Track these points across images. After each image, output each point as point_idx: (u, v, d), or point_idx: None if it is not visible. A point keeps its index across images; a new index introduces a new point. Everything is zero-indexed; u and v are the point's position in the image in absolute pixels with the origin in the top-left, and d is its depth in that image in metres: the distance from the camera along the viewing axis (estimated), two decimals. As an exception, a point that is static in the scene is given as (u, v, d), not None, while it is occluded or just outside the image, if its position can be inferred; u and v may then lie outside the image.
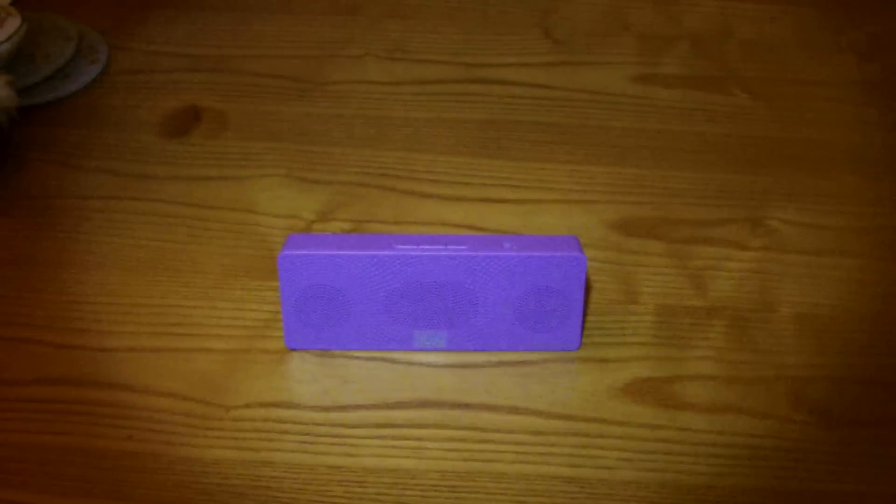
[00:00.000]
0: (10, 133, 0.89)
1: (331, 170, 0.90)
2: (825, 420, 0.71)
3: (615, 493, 0.67)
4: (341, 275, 0.72)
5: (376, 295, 0.72)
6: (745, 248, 0.83)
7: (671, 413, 0.72)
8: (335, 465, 0.68)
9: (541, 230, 0.85)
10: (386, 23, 1.05)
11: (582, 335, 0.75)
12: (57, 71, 0.97)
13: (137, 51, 1.01)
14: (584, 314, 0.76)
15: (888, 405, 0.73)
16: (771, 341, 0.76)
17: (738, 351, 0.76)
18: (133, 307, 0.78)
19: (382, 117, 0.95)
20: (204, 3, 1.07)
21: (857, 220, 0.86)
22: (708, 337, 0.77)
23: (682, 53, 1.02)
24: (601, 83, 0.99)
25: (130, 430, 0.70)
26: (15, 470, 0.68)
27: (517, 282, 0.72)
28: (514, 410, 0.72)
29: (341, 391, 0.73)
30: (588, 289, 0.79)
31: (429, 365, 0.74)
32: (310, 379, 0.73)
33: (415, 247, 0.72)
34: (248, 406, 0.71)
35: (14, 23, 0.92)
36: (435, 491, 0.67)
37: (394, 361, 0.74)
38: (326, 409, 0.72)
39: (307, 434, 0.70)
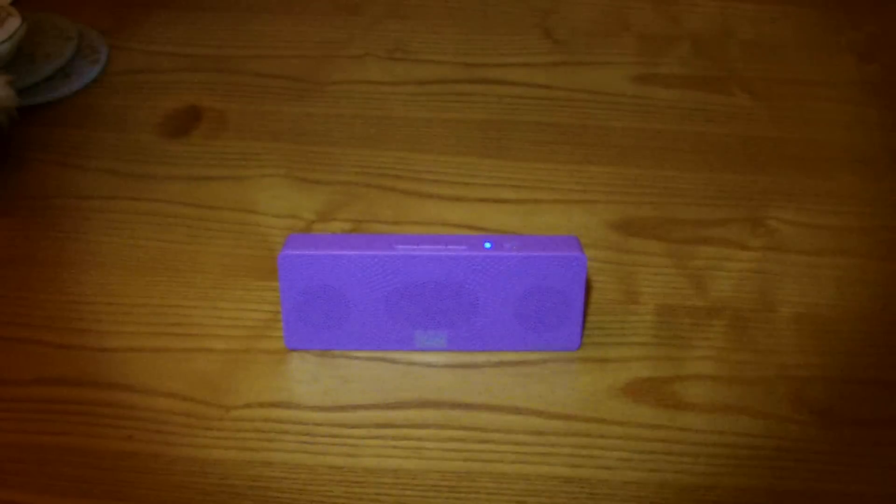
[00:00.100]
0: (10, 133, 0.89)
1: (331, 170, 0.90)
2: (825, 420, 0.71)
3: (615, 493, 0.67)
4: (341, 275, 0.72)
5: (376, 295, 0.72)
6: (745, 248, 0.83)
7: (671, 413, 0.72)
8: (335, 466, 0.68)
9: (541, 230, 0.85)
10: (386, 23, 1.05)
11: (582, 335, 0.75)
12: (57, 71, 0.97)
13: (137, 51, 1.01)
14: (585, 314, 0.76)
15: (888, 405, 0.73)
16: (771, 341, 0.76)
17: (738, 351, 0.76)
18: (133, 307, 0.78)
19: (382, 117, 0.95)
20: (204, 3, 1.07)
21: (857, 220, 0.86)
22: (708, 337, 0.77)
23: (682, 53, 1.02)
24: (601, 83, 0.99)
25: (130, 431, 0.70)
26: (14, 470, 0.68)
27: (517, 282, 0.72)
28: (514, 410, 0.72)
29: (341, 391, 0.73)
30: (588, 289, 0.79)
31: (429, 365, 0.74)
32: (310, 379, 0.73)
33: (415, 247, 0.72)
34: (247, 406, 0.71)
35: (14, 23, 0.92)
36: (435, 491, 0.67)
37: (394, 361, 0.74)
38: (326, 409, 0.72)
39: (307, 434, 0.70)
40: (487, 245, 0.72)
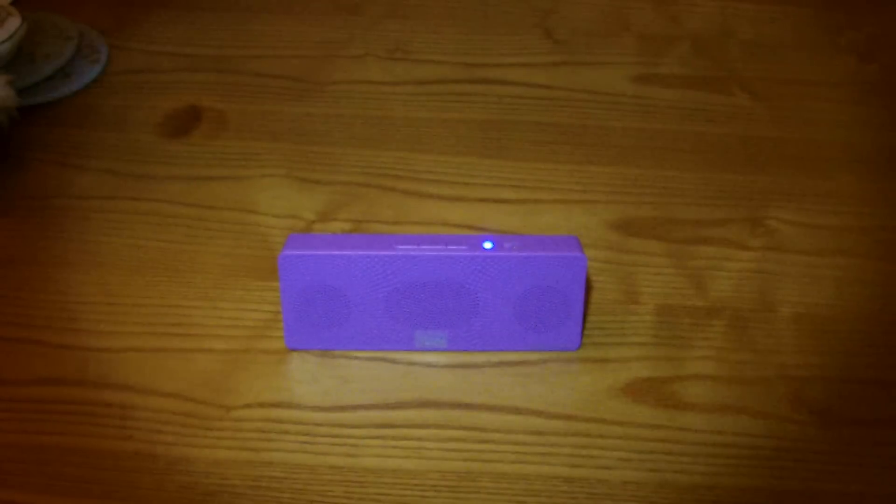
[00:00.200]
0: (9, 133, 0.89)
1: (331, 170, 0.90)
2: (825, 420, 0.71)
3: (615, 493, 0.67)
4: (342, 275, 0.72)
5: (376, 295, 0.72)
6: (744, 248, 0.83)
7: (671, 413, 0.72)
8: (335, 466, 0.68)
9: (541, 230, 0.85)
10: (386, 23, 1.05)
11: (582, 335, 0.75)
12: (57, 71, 0.97)
13: (137, 51, 1.01)
14: (585, 314, 0.76)
15: (888, 405, 0.73)
16: (771, 341, 0.76)
17: (737, 351, 0.76)
18: (133, 307, 0.78)
19: (382, 117, 0.95)
20: (204, 3, 1.07)
21: (857, 220, 0.86)
22: (708, 337, 0.77)
23: (682, 53, 1.02)
24: (601, 83, 0.99)
25: (130, 431, 0.70)
26: (15, 470, 0.68)
27: (517, 282, 0.72)
28: (514, 410, 0.72)
29: (341, 391, 0.73)
30: (588, 289, 0.79)
31: (429, 365, 0.74)
32: (310, 379, 0.73)
33: (415, 247, 0.72)
34: (248, 406, 0.71)
35: (14, 22, 0.92)
36: (435, 491, 0.67)
37: (394, 362, 0.74)
38: (327, 409, 0.72)
39: (307, 434, 0.70)
40: (488, 245, 0.72)
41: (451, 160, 0.91)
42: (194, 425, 0.70)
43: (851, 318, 0.78)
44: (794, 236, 0.85)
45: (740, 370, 0.74)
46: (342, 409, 0.72)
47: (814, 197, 0.88)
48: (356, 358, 0.75)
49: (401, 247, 0.72)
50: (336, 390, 0.73)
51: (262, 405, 0.72)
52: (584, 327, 0.76)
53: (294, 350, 0.75)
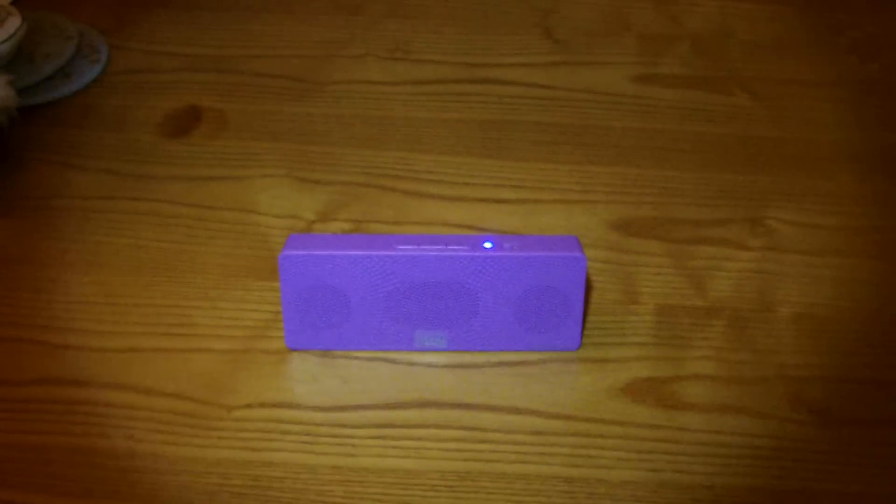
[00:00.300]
0: (9, 133, 0.89)
1: (331, 170, 0.90)
2: (824, 420, 0.72)
3: (614, 492, 0.67)
4: (342, 275, 0.72)
5: (377, 295, 0.72)
6: (744, 248, 0.83)
7: (670, 413, 0.72)
8: (336, 466, 0.68)
9: (541, 230, 0.85)
10: (386, 23, 1.05)
11: (582, 335, 0.75)
12: (57, 71, 0.97)
13: (137, 51, 1.01)
14: (585, 314, 0.76)
15: (887, 405, 0.73)
16: (770, 341, 0.76)
17: (737, 351, 0.76)
18: (133, 307, 0.78)
19: (383, 117, 0.95)
20: (204, 3, 1.07)
21: (857, 220, 0.86)
22: (708, 337, 0.77)
23: (682, 53, 1.02)
24: (601, 83, 0.99)
25: (131, 431, 0.70)
26: (15, 470, 0.68)
27: (517, 282, 0.72)
28: (514, 410, 0.72)
29: (342, 391, 0.73)
30: (588, 289, 0.79)
31: (429, 365, 0.74)
32: (310, 379, 0.73)
33: (415, 247, 0.72)
34: (248, 406, 0.72)
35: (14, 22, 0.92)
36: (435, 491, 0.67)
37: (394, 362, 0.75)
38: (327, 409, 0.72)
39: (308, 434, 0.70)
40: (488, 245, 0.72)
41: (451, 160, 0.91)
42: (195, 425, 0.70)
43: (850, 318, 0.78)
44: (794, 236, 0.85)
45: (740, 370, 0.75)
46: (342, 409, 0.72)
47: (813, 197, 0.88)
48: (356, 358, 0.75)
49: (401, 247, 0.72)
50: (336, 390, 0.73)
51: (262, 405, 0.72)
52: (584, 327, 0.76)
53: (294, 350, 0.75)
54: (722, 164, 0.91)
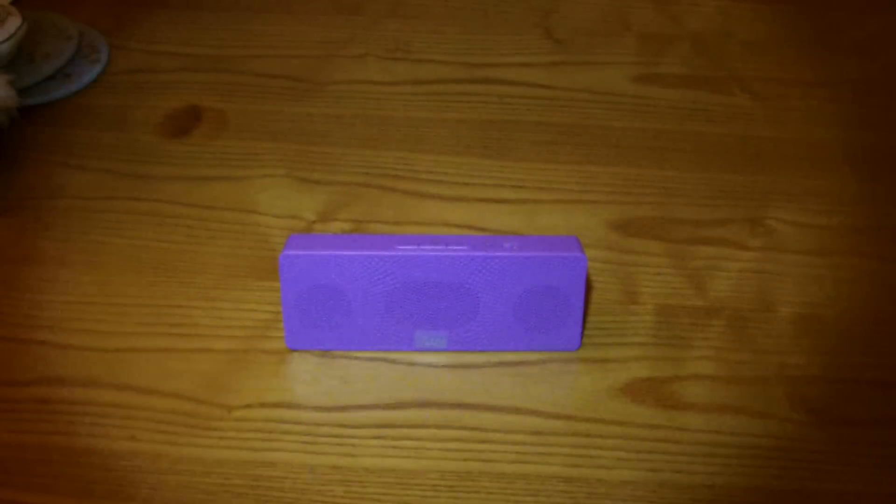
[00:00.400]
0: (9, 133, 0.89)
1: (331, 170, 0.90)
2: (824, 420, 0.72)
3: (613, 492, 0.67)
4: (342, 275, 0.72)
5: (377, 295, 0.73)
6: (744, 248, 0.83)
7: (670, 413, 0.72)
8: (336, 466, 0.68)
9: (541, 230, 0.85)
10: (386, 23, 1.05)
11: (582, 335, 0.75)
12: (57, 71, 0.97)
13: (137, 51, 1.01)
14: (585, 314, 0.77)
15: (887, 405, 0.73)
16: (770, 341, 0.77)
17: (737, 351, 0.76)
18: (133, 307, 0.78)
19: (383, 117, 0.95)
20: (204, 3, 1.07)
21: (857, 220, 0.86)
22: (707, 337, 0.77)
23: (682, 53, 1.02)
24: (602, 83, 0.99)
25: (132, 431, 0.70)
26: (16, 470, 0.68)
27: (518, 282, 0.72)
28: (514, 410, 0.72)
29: (342, 391, 0.73)
30: (588, 289, 0.79)
31: (429, 365, 0.74)
32: (311, 379, 0.73)
33: (415, 247, 0.72)
34: (249, 406, 0.72)
35: (14, 22, 0.92)
36: (435, 491, 0.67)
37: (394, 362, 0.75)
38: (327, 409, 0.72)
39: (308, 434, 0.70)
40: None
41: (451, 160, 0.91)
42: (195, 425, 0.70)
43: (850, 318, 0.78)
44: (794, 236, 0.85)
45: (739, 370, 0.75)
46: (343, 409, 0.72)
47: (814, 197, 0.88)
48: (356, 358, 0.75)
49: (401, 247, 0.72)
50: (336, 390, 0.73)
51: (262, 405, 0.72)
52: (584, 327, 0.76)
53: (294, 350, 0.75)
54: (722, 164, 0.91)
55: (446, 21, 1.05)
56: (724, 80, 0.99)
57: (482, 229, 0.85)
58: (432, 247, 0.72)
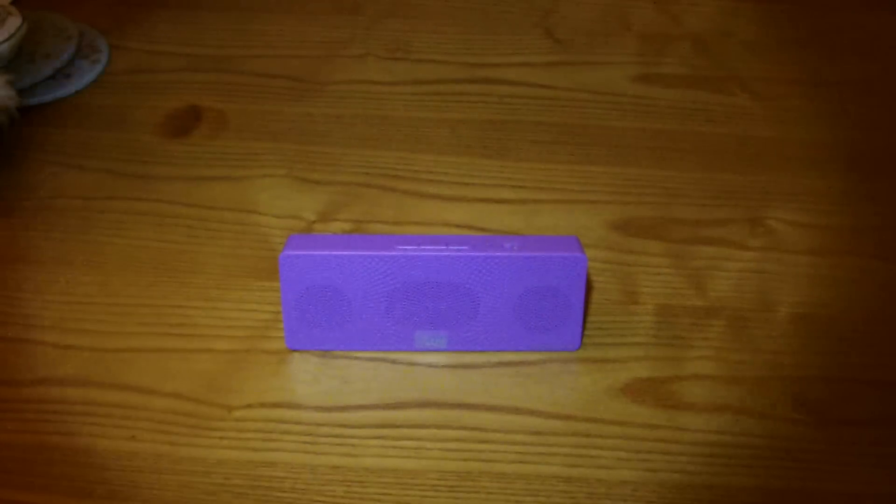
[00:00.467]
0: (10, 133, 0.89)
1: (331, 170, 0.90)
2: (824, 420, 0.72)
3: (613, 492, 0.67)
4: (342, 275, 0.72)
5: (377, 295, 0.73)
6: (744, 248, 0.84)
7: (670, 413, 0.72)
8: (336, 466, 0.69)
9: (541, 230, 0.85)
10: (387, 23, 1.05)
11: (582, 335, 0.75)
12: (57, 71, 0.97)
13: (137, 51, 1.01)
14: (585, 314, 0.77)
15: (887, 405, 0.73)
16: (770, 341, 0.77)
17: (737, 351, 0.76)
18: (133, 307, 0.78)
19: (383, 117, 0.95)
20: (204, 3, 1.07)
21: (857, 220, 0.86)
22: (707, 337, 0.77)
23: (683, 53, 1.02)
24: (602, 83, 0.99)
25: (132, 431, 0.70)
26: (17, 470, 0.68)
27: (518, 282, 0.72)
28: (514, 410, 0.72)
29: (342, 391, 0.73)
30: (588, 289, 0.79)
31: (429, 365, 0.74)
32: (311, 379, 0.73)
33: (416, 247, 0.72)
34: (249, 406, 0.72)
35: (14, 22, 0.92)
36: (435, 491, 0.67)
37: (394, 362, 0.75)
38: (327, 409, 0.72)
39: (308, 434, 0.70)
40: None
41: (451, 160, 0.91)
42: (196, 425, 0.70)
43: (850, 318, 0.78)
44: (794, 236, 0.85)
45: (739, 370, 0.75)
46: (343, 409, 0.72)
47: (814, 197, 0.88)
48: (357, 358, 0.75)
49: (401, 247, 0.72)
50: (337, 390, 0.73)
51: (263, 405, 0.72)
52: (584, 327, 0.76)
53: (295, 350, 0.75)
54: (722, 164, 0.91)
55: (446, 21, 1.05)
56: (724, 80, 0.99)
57: (482, 229, 0.85)
58: (432, 247, 0.72)
